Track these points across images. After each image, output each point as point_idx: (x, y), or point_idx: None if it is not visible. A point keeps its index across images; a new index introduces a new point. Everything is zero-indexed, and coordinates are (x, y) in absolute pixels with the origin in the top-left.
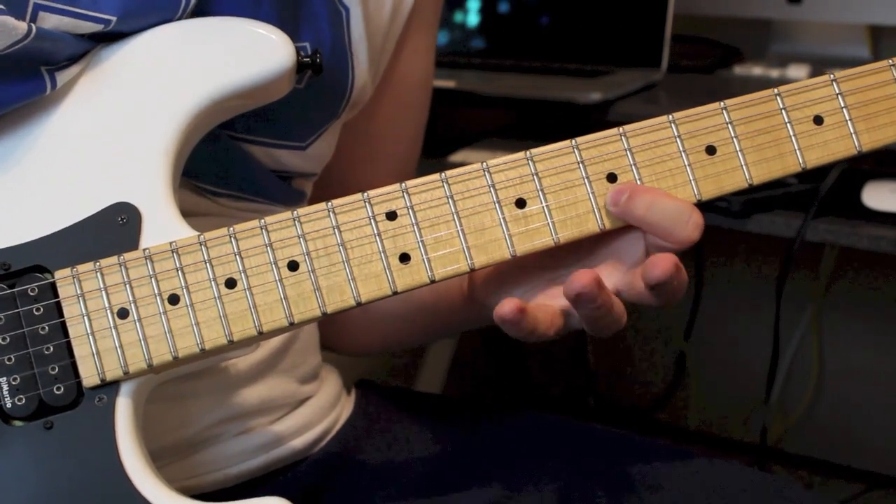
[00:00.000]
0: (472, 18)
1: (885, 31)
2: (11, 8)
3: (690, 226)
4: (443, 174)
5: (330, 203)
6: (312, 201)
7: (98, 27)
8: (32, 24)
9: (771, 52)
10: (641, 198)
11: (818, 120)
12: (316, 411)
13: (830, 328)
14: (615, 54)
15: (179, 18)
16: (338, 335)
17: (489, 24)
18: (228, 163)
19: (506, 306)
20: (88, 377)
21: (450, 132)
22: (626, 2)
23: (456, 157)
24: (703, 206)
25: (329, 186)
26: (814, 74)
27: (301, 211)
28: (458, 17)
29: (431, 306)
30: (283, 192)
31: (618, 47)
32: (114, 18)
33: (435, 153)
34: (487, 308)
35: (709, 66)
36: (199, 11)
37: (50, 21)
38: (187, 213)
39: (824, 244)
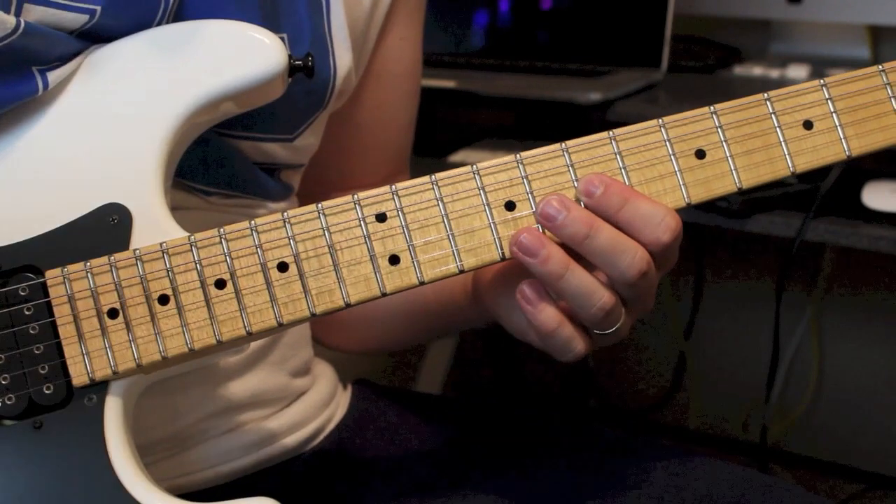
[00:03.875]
0: (473, 18)
1: (885, 31)
2: None
3: (661, 228)
4: (432, 176)
5: (320, 204)
6: (305, 194)
7: (84, 17)
8: (21, 19)
9: (771, 52)
10: (615, 195)
11: (808, 125)
12: (309, 408)
13: (830, 328)
14: (615, 54)
15: (164, 9)
16: (335, 332)
17: (489, 25)
18: (217, 160)
19: (525, 287)
20: (78, 377)
21: (450, 132)
22: (626, 2)
23: (455, 157)
24: (703, 205)
25: (322, 178)
26: (814, 74)
27: (291, 212)
28: (458, 17)
29: (433, 306)
30: (270, 186)
31: (618, 47)
32: (98, 8)
33: (435, 153)
34: (492, 308)
35: (709, 66)
36: (183, 3)
37: (35, 13)
38: (177, 208)
39: (824, 244)
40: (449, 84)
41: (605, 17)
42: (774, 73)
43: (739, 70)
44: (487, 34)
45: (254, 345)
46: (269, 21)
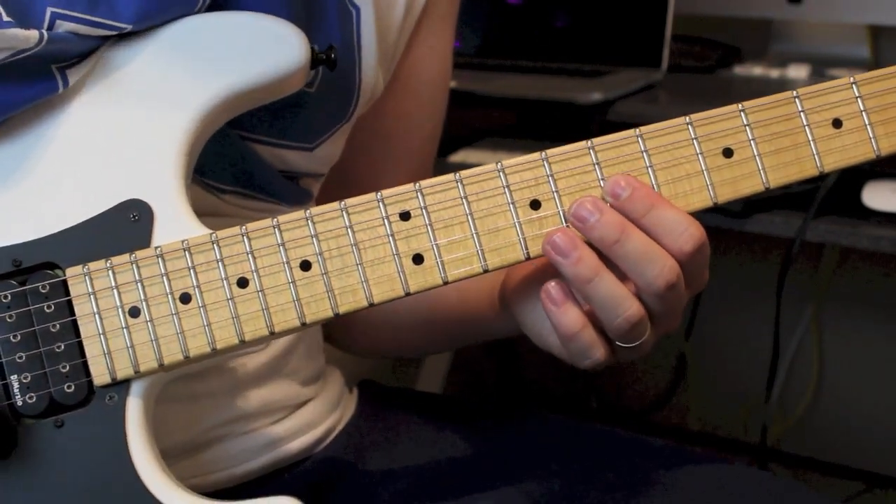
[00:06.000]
0: (473, 18)
1: (885, 31)
2: (28, 19)
3: (684, 237)
4: (457, 174)
5: (343, 203)
6: (329, 201)
7: (113, 33)
8: (45, 32)
9: (771, 52)
10: (641, 201)
11: (837, 123)
12: (318, 411)
13: (830, 328)
14: (615, 54)
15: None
16: (352, 334)
17: (489, 25)
18: (236, 161)
19: (549, 285)
20: (99, 376)
21: (450, 132)
22: (626, 2)
23: (456, 157)
24: None
25: (346, 186)
26: (814, 74)
27: (314, 210)
28: (458, 16)
29: (456, 314)
30: (289, 191)
31: (618, 47)
32: (130, 26)
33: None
34: (518, 315)
35: (709, 66)
36: (214, 9)
37: (65, 27)
38: (194, 211)
39: (824, 244)
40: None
41: (605, 17)
42: (774, 73)
43: (739, 70)
44: (487, 34)
45: (270, 356)
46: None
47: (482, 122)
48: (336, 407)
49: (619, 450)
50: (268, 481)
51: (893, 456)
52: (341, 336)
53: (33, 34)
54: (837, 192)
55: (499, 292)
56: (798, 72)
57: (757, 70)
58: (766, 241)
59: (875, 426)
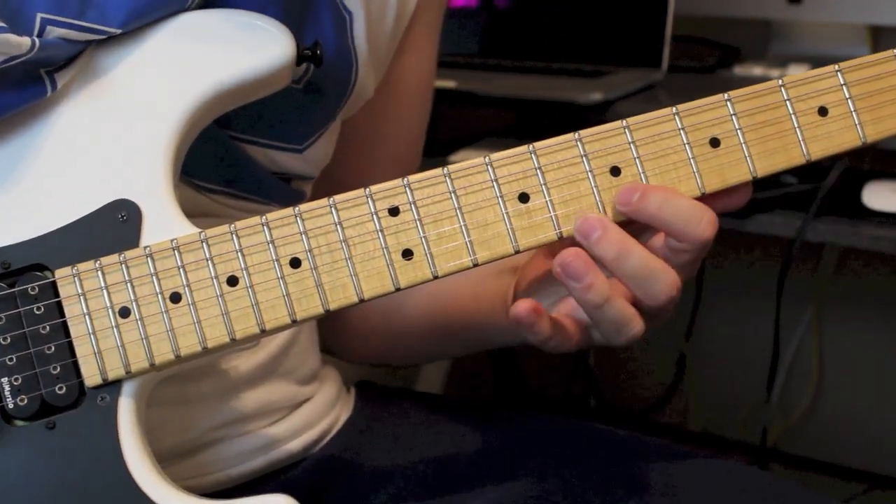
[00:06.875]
0: (473, 18)
1: (885, 31)
2: (18, 25)
3: (704, 223)
4: (445, 169)
5: (332, 199)
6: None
7: (101, 37)
8: (36, 39)
9: (771, 52)
10: (654, 195)
11: (822, 111)
12: (315, 411)
13: (830, 328)
14: (615, 54)
15: None
16: (368, 346)
17: (489, 24)
18: (228, 161)
19: (520, 305)
20: (90, 377)
21: (450, 132)
22: (626, 2)
23: (456, 157)
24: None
25: (334, 188)
26: None
27: (303, 207)
28: (458, 16)
29: (473, 319)
30: (281, 192)
31: (618, 47)
32: (119, 30)
33: (435, 153)
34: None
35: (709, 66)
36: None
37: (55, 33)
38: (186, 213)
39: (824, 244)
40: (449, 84)
41: (605, 17)
42: (774, 73)
43: (739, 70)
44: (487, 34)
45: (265, 356)
46: (293, 33)
47: (482, 122)
48: (334, 406)
49: (618, 450)
50: (265, 482)
51: (893, 456)
52: (347, 345)
53: (25, 41)
54: (837, 192)
55: (512, 297)
56: (798, 72)
57: (757, 70)
58: (766, 241)
59: (875, 426)
